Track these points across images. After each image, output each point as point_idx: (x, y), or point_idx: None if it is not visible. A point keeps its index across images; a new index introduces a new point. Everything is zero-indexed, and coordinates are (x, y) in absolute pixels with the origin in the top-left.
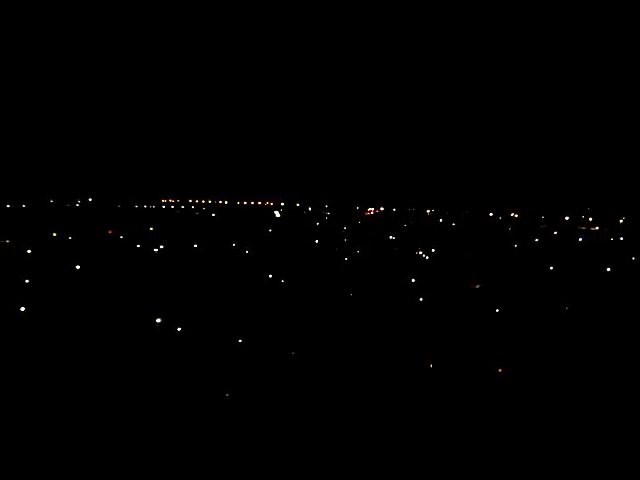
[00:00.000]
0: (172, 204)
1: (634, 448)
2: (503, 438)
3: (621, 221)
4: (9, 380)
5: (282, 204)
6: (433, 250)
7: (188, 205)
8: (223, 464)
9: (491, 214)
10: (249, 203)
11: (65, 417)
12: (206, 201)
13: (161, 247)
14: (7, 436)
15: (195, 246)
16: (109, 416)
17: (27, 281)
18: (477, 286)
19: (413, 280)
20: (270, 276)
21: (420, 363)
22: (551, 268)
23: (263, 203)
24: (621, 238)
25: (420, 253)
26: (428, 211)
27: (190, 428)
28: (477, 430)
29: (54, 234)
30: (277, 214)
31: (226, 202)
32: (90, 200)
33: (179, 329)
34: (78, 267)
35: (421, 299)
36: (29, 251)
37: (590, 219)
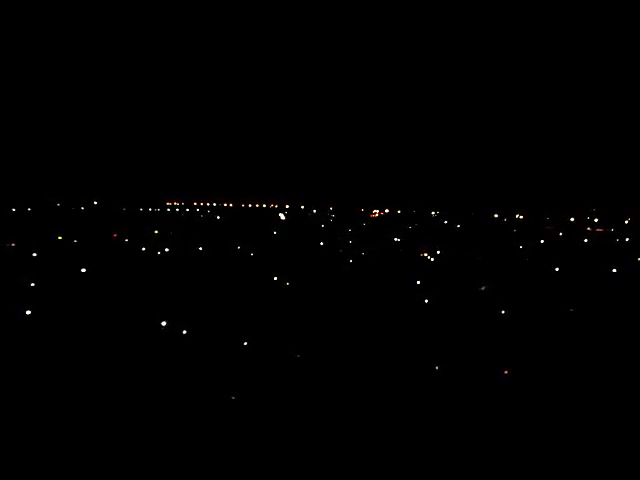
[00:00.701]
0: (177, 207)
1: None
2: (508, 440)
3: (626, 222)
4: (16, 383)
5: (287, 206)
6: (438, 252)
7: (193, 208)
8: (228, 465)
9: (496, 215)
10: (254, 205)
11: (71, 421)
12: (211, 203)
13: (166, 250)
14: (9, 439)
15: (200, 249)
16: (116, 419)
17: (32, 284)
18: (483, 288)
19: (418, 282)
20: (275, 278)
21: (425, 365)
22: (557, 269)
23: (268, 205)
24: (627, 239)
25: (425, 255)
26: (433, 213)
27: (195, 430)
28: (482, 432)
29: (59, 237)
30: (282, 217)
31: (231, 205)
32: (95, 203)
33: (184, 332)
34: (83, 270)
35: (426, 301)
36: (34, 254)
37: (596, 220)
